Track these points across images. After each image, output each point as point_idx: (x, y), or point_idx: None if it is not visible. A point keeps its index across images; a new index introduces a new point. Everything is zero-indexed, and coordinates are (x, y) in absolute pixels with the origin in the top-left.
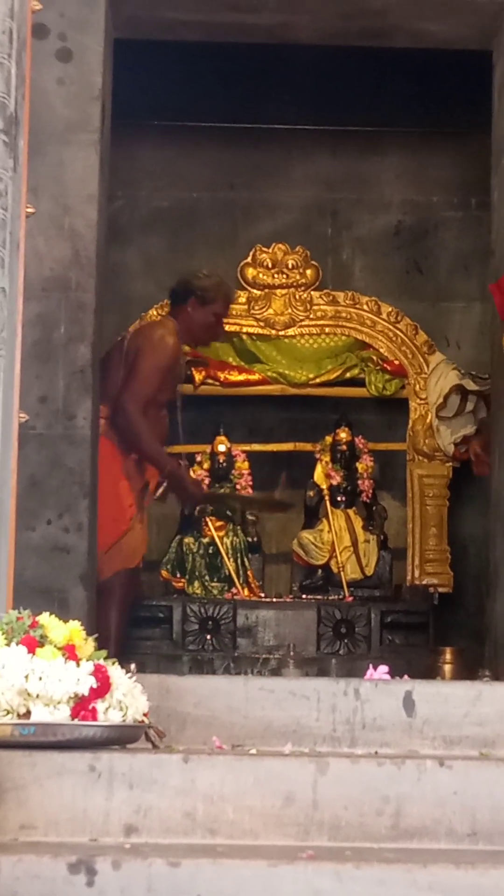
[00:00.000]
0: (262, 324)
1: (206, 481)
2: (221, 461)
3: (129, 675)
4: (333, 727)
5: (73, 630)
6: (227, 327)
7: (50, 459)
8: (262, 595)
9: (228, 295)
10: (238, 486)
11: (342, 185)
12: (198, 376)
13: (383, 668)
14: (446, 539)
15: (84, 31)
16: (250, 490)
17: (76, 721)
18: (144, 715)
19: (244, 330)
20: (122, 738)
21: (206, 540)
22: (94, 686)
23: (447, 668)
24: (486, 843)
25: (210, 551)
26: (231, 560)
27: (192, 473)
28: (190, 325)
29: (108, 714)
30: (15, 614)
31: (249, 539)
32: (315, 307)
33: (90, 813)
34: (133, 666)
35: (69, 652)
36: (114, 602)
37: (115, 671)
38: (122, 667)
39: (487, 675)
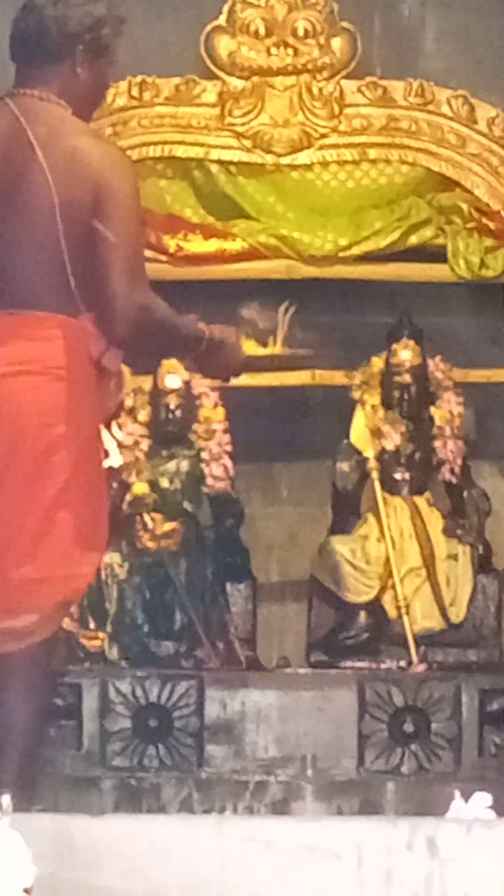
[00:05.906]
0: (248, 143)
1: (144, 447)
2: (173, 407)
3: None
4: None
5: None
6: (183, 150)
7: None
8: (253, 662)
9: (122, 21)
10: (206, 454)
11: None
12: None
13: (484, 799)
14: None
15: None
16: (229, 461)
17: None
18: (26, 892)
19: (213, 155)
20: None
21: (146, 559)
22: None
23: None
24: None
25: (153, 580)
26: (194, 595)
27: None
28: (79, 102)
29: None
30: None
31: (228, 556)
32: (349, 110)
33: None
34: (6, 799)
35: None
36: (34, 676)
37: None
38: None
39: None
